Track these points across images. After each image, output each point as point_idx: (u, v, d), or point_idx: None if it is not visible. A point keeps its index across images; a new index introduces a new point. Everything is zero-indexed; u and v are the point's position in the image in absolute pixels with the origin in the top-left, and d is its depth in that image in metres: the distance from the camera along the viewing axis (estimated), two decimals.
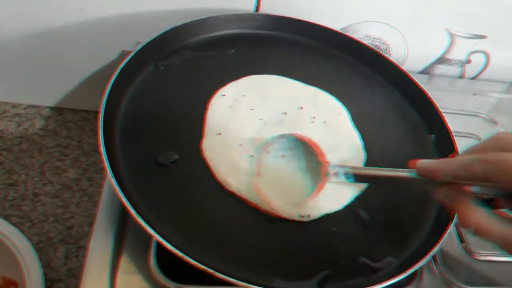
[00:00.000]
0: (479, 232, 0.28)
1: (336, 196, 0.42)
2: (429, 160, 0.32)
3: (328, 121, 0.48)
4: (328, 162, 0.36)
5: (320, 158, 0.36)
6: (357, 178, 0.35)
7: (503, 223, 0.28)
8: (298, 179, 0.38)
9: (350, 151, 0.46)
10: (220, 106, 0.47)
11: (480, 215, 0.28)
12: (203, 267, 0.33)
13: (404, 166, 0.48)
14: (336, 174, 0.36)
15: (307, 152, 0.37)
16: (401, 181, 0.34)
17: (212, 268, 0.33)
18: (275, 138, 0.38)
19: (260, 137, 0.44)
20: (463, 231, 0.48)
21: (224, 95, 0.48)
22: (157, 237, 0.34)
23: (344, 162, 0.45)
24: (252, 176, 0.40)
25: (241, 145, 0.43)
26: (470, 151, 0.31)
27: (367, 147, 0.48)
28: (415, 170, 0.32)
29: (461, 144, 0.48)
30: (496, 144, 0.29)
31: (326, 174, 0.36)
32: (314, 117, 0.48)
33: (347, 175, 0.36)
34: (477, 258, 0.46)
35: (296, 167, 0.38)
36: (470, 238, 0.47)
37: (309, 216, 0.40)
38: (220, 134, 0.44)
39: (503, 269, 0.46)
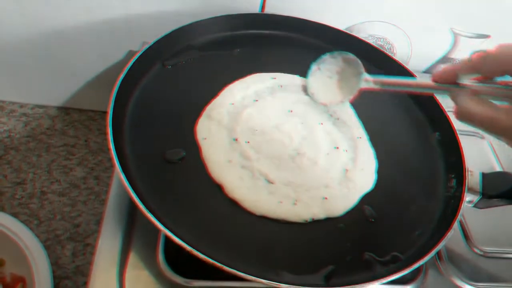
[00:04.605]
0: (463, 114, 0.33)
1: (339, 202, 0.43)
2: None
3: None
4: (365, 72, 0.45)
5: (361, 68, 0.45)
6: (384, 84, 0.42)
7: (488, 106, 0.32)
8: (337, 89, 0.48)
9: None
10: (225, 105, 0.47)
11: (467, 101, 0.33)
12: (212, 261, 0.33)
13: (410, 163, 0.49)
14: (367, 80, 0.43)
15: (347, 71, 0.47)
16: (420, 87, 0.40)
17: (220, 263, 0.34)
18: (327, 56, 0.48)
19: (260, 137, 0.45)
20: (467, 228, 0.48)
21: (229, 94, 0.48)
22: (165, 231, 0.34)
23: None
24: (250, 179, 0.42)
25: (236, 139, 0.44)
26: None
27: (373, 143, 0.48)
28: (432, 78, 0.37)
29: (465, 142, 0.48)
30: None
31: (363, 80, 0.44)
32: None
33: (376, 83, 0.43)
34: (482, 254, 0.46)
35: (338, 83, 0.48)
36: (475, 235, 0.48)
37: (313, 219, 0.41)
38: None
39: (508, 265, 0.46)
